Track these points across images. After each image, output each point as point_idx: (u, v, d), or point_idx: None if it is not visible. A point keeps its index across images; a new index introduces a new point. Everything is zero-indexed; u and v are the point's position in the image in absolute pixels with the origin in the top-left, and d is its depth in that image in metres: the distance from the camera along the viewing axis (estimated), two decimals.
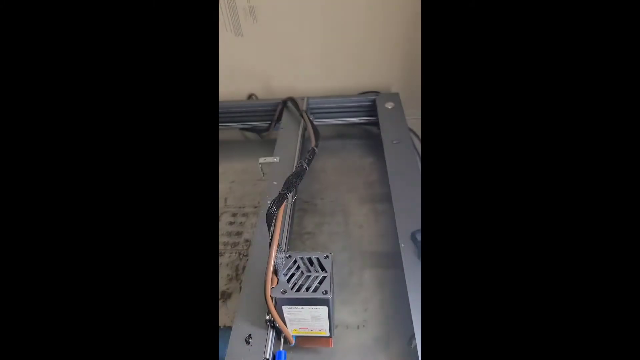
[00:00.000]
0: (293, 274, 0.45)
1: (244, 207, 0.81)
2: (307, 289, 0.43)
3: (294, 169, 0.61)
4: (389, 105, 0.86)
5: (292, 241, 0.72)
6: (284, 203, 0.49)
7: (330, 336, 0.49)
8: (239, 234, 0.75)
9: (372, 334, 0.57)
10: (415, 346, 0.46)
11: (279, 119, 0.89)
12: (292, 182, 0.53)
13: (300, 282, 0.44)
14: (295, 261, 0.46)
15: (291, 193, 0.55)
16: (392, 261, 0.67)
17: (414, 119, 1.01)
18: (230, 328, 0.50)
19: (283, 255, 0.45)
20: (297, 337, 0.49)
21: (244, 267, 0.68)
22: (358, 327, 0.58)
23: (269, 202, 0.46)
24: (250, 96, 1.01)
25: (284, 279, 0.44)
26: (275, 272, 0.44)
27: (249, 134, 1.00)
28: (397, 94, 0.89)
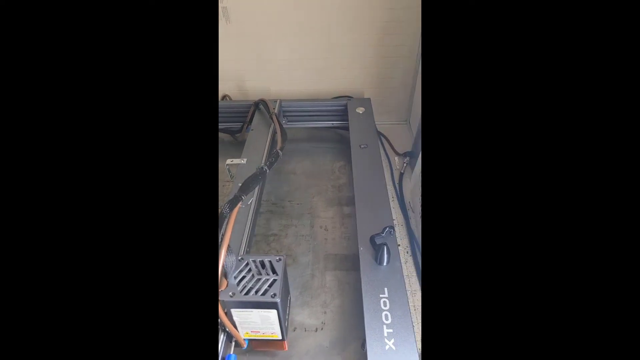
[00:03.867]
0: (244, 277, 0.45)
1: None
2: (257, 292, 0.43)
3: (255, 170, 0.61)
4: (360, 110, 0.87)
5: (258, 243, 0.72)
6: (238, 205, 0.49)
7: (283, 339, 0.49)
8: None
9: (329, 337, 0.57)
10: (367, 351, 0.47)
11: (251, 120, 0.89)
12: (249, 185, 0.53)
13: (250, 285, 0.44)
14: (247, 264, 0.46)
15: (247, 195, 0.55)
16: (353, 264, 0.67)
17: (385, 124, 1.02)
18: None
19: (234, 258, 0.45)
20: (250, 340, 0.49)
21: None
22: (316, 330, 0.58)
23: None
24: (223, 97, 1.01)
25: (234, 282, 0.44)
26: (225, 274, 0.44)
27: (222, 135, 0.99)
28: (368, 99, 0.90)
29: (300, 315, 0.60)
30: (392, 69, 0.94)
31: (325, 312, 0.61)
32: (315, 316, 0.60)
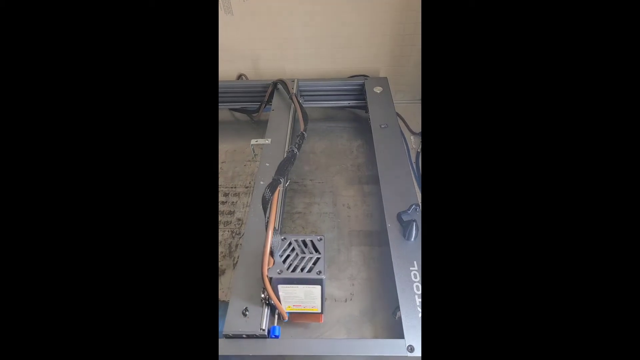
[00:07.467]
0: (288, 255, 0.48)
1: (235, 187, 0.83)
2: (302, 270, 0.47)
3: (285, 154, 0.63)
4: (378, 89, 0.88)
5: (283, 220, 0.75)
6: (278, 188, 0.51)
7: (322, 312, 0.53)
8: (230, 213, 0.78)
9: (358, 307, 0.62)
10: (400, 317, 0.51)
11: (269, 100, 0.90)
12: (284, 168, 0.55)
13: (295, 262, 0.47)
14: (290, 243, 0.49)
15: (284, 178, 0.57)
16: (377, 240, 0.71)
17: (401, 103, 1.03)
18: (224, 302, 0.53)
19: (279, 238, 0.48)
20: (290, 313, 0.53)
21: (237, 245, 0.71)
22: (345, 300, 0.63)
23: (262, 183, 0.48)
24: (239, 76, 1.00)
25: (279, 260, 0.48)
26: (272, 253, 0.47)
27: (238, 115, 1.00)
28: (385, 79, 0.91)
29: (330, 287, 0.65)
30: (409, 47, 0.94)
31: (353, 284, 0.65)
32: (344, 288, 0.65)
